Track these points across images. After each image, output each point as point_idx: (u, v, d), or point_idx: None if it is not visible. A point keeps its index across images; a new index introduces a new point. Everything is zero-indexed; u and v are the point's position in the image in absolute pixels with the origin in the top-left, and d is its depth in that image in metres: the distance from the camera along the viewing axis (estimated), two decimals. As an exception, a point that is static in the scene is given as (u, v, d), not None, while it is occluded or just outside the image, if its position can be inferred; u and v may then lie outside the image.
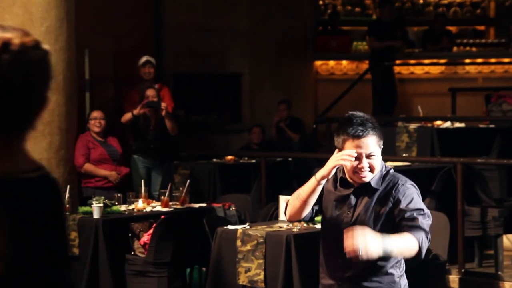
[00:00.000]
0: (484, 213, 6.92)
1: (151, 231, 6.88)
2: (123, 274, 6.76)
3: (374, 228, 3.47)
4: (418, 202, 3.53)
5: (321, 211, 3.68)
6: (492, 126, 9.45)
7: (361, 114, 3.60)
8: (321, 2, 13.76)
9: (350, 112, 3.63)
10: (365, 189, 3.57)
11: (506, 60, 13.02)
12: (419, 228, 3.45)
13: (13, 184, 1.78)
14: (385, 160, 3.70)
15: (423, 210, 3.51)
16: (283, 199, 6.26)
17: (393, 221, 3.51)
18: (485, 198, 7.23)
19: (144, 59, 9.00)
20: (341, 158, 3.44)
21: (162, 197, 7.33)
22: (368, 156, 3.50)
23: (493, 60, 13.06)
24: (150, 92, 8.65)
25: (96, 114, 8.24)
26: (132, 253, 6.92)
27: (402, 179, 3.59)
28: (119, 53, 9.62)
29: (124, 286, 6.76)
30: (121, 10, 9.65)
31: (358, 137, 3.49)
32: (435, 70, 12.90)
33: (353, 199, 3.58)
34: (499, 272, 6.73)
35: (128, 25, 9.72)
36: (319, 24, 13.09)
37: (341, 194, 3.61)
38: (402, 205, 3.49)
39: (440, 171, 7.27)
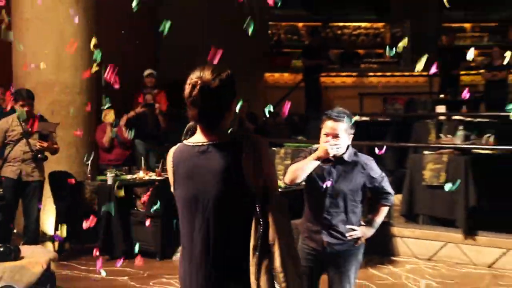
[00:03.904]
0: (381, 179, 7.00)
1: (148, 193, 6.86)
2: (129, 223, 6.74)
3: (347, 192, 3.44)
4: (378, 169, 3.56)
5: (307, 179, 3.50)
6: (388, 119, 9.54)
7: (342, 109, 3.51)
8: (269, 32, 13.74)
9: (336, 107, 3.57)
10: (341, 162, 3.47)
11: (397, 73, 13.16)
12: (389, 194, 3.61)
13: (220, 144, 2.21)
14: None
15: (382, 173, 3.57)
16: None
17: (364, 187, 3.51)
18: (382, 169, 7.30)
19: (147, 71, 8.93)
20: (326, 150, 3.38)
21: (157, 169, 7.31)
22: (335, 136, 3.41)
23: (388, 73, 13.20)
24: (148, 97, 8.62)
25: (107, 110, 8.15)
26: (135, 208, 6.90)
27: (367, 157, 3.56)
28: (127, 66, 9.45)
29: (130, 232, 6.74)
30: (128, 34, 9.49)
31: (334, 119, 3.43)
32: (348, 80, 12.95)
33: (332, 170, 3.46)
34: (391, 221, 6.83)
35: (135, 45, 9.56)
36: (268, 47, 13.09)
37: (323, 166, 3.46)
38: (374, 176, 3.50)
39: (352, 151, 7.31)
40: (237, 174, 2.15)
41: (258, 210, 2.13)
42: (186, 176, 2.24)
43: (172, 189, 2.33)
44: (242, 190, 2.16)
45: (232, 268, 2.18)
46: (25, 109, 6.03)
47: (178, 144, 2.34)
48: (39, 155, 6.10)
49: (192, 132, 2.32)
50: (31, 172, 6.13)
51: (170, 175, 2.33)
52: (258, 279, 2.10)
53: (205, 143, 2.23)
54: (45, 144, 6.06)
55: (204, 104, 2.18)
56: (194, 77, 2.21)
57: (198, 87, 2.18)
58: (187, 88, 2.22)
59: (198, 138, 2.27)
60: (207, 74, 2.19)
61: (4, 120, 6.20)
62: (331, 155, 3.39)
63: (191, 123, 2.32)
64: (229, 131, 2.26)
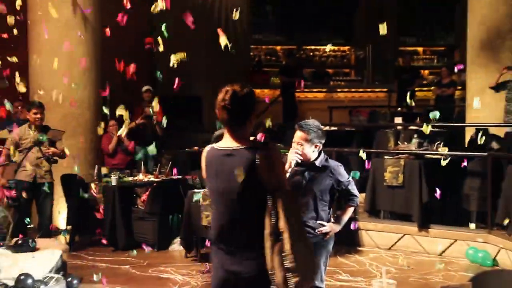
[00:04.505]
0: (348, 180, 7.04)
1: (147, 193, 6.86)
2: (130, 219, 6.73)
3: (316, 192, 3.41)
4: (346, 174, 3.51)
5: None
6: (353, 129, 9.61)
7: (311, 121, 3.48)
8: (251, 53, 13.81)
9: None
10: (312, 167, 3.44)
11: (361, 90, 13.30)
12: (355, 196, 3.54)
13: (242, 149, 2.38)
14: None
15: (349, 177, 3.52)
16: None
17: (332, 189, 3.47)
18: (349, 172, 7.36)
19: (146, 87, 8.88)
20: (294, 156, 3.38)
21: (154, 172, 7.31)
22: (298, 143, 3.40)
23: (353, 89, 13.32)
24: (147, 109, 8.60)
25: (112, 122, 8.15)
26: (136, 206, 6.89)
27: (336, 164, 3.52)
28: (127, 82, 9.42)
29: (131, 227, 6.73)
30: (129, 56, 9.46)
31: (300, 129, 3.44)
32: (320, 95, 13.02)
33: (306, 173, 3.44)
34: (356, 216, 6.89)
35: (135, 65, 9.49)
36: (251, 66, 13.14)
37: (297, 169, 3.43)
38: (341, 179, 3.47)
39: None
40: (253, 174, 2.33)
41: (270, 203, 2.31)
42: (214, 174, 2.46)
43: (205, 182, 2.56)
44: (257, 187, 2.34)
45: (248, 248, 2.38)
46: (37, 116, 6.04)
47: (209, 146, 2.53)
48: (51, 159, 6.13)
49: (220, 139, 2.49)
50: (43, 175, 6.12)
51: (203, 171, 2.54)
52: (272, 259, 2.27)
53: (230, 148, 2.41)
54: (50, 151, 6.07)
55: (232, 107, 2.39)
56: (226, 87, 2.44)
57: (230, 92, 2.41)
58: (221, 95, 2.43)
59: (225, 143, 2.45)
60: (236, 86, 2.44)
61: (18, 130, 6.18)
62: (293, 163, 3.38)
63: (217, 132, 2.46)
64: (251, 138, 2.46)
